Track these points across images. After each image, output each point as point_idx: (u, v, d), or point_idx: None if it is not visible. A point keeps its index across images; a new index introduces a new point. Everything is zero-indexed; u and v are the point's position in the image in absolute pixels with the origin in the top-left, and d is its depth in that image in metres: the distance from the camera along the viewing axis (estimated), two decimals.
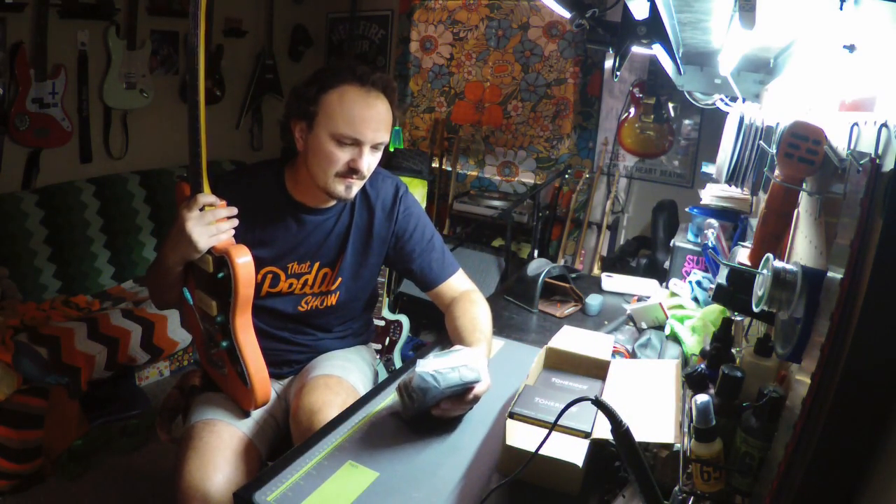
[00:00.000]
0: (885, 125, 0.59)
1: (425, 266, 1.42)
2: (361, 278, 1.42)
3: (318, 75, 1.26)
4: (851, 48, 0.77)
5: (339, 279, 1.39)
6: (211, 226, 1.15)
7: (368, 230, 1.40)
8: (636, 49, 1.14)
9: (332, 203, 1.36)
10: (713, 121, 2.86)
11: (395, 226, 1.41)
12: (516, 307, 1.73)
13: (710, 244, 1.63)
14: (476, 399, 1.10)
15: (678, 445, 0.90)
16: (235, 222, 1.21)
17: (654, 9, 0.99)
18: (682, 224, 2.08)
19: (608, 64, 3.34)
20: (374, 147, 1.27)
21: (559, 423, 0.83)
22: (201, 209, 1.15)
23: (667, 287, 1.71)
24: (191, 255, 1.17)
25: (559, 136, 3.61)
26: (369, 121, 1.23)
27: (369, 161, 1.27)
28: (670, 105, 3.16)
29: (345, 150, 1.24)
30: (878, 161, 0.59)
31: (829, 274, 0.68)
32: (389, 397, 1.17)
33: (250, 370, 1.21)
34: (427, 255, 1.42)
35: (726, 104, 1.82)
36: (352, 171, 1.25)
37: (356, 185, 1.29)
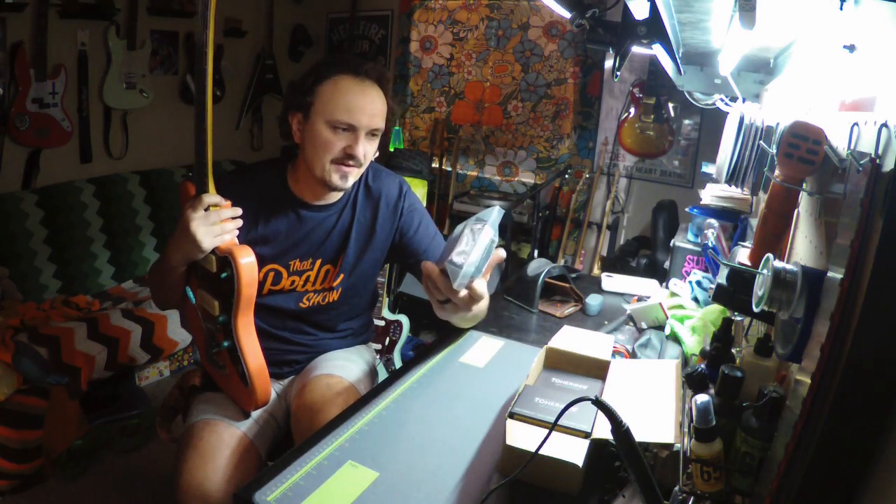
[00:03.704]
0: (885, 125, 0.59)
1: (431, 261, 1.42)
2: (363, 274, 1.42)
3: (314, 68, 1.29)
4: (851, 48, 0.77)
5: (341, 276, 1.39)
6: (215, 226, 1.16)
7: (371, 226, 1.40)
8: (636, 49, 1.14)
9: (334, 200, 1.36)
10: (713, 121, 2.86)
11: (399, 221, 1.41)
12: (516, 307, 1.73)
13: (710, 244, 1.63)
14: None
15: (678, 445, 0.90)
16: (240, 223, 1.21)
17: (654, 9, 0.99)
18: (682, 224, 2.08)
19: (608, 64, 3.34)
20: (370, 134, 1.28)
21: (559, 423, 0.83)
22: (206, 209, 1.15)
23: (667, 287, 1.71)
24: (195, 255, 1.17)
25: (559, 136, 3.61)
26: (364, 107, 1.25)
27: (365, 148, 1.27)
28: (670, 105, 3.16)
29: (340, 136, 1.25)
30: (878, 161, 0.59)
31: (829, 274, 0.68)
32: (390, 397, 1.17)
33: (251, 370, 1.21)
34: (433, 251, 1.43)
35: (726, 104, 1.82)
36: (348, 156, 1.26)
37: (352, 175, 1.29)
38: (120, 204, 2.93)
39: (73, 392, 2.09)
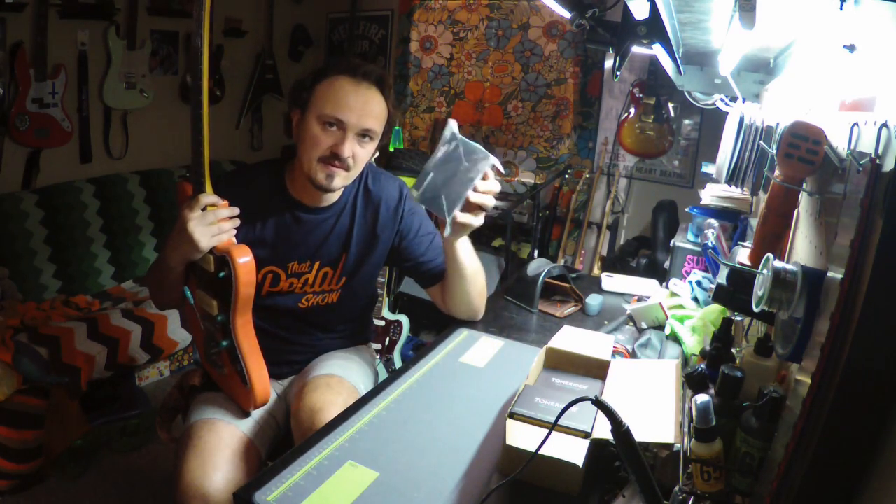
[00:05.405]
0: (885, 125, 0.59)
1: (430, 263, 1.43)
2: (363, 277, 1.43)
3: (316, 68, 1.31)
4: (851, 48, 0.77)
5: (343, 279, 1.39)
6: (213, 226, 1.15)
7: (372, 229, 1.40)
8: (636, 49, 1.13)
9: (331, 202, 1.36)
10: (713, 121, 2.86)
11: (399, 224, 1.41)
12: (516, 307, 1.73)
13: (710, 244, 1.63)
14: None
15: (678, 445, 0.90)
16: (237, 222, 1.21)
17: (654, 9, 0.99)
18: (682, 224, 2.08)
19: (608, 64, 3.34)
20: (361, 136, 1.27)
21: (559, 423, 0.83)
22: (203, 209, 1.15)
23: (667, 287, 1.71)
24: (192, 255, 1.17)
25: (559, 136, 3.61)
26: (354, 105, 1.25)
27: (354, 149, 1.26)
28: (670, 105, 3.15)
29: (328, 134, 1.25)
30: (878, 161, 0.59)
31: (829, 274, 0.68)
32: (390, 397, 1.17)
33: (250, 370, 1.21)
34: (431, 253, 1.43)
35: (726, 104, 1.82)
36: (334, 156, 1.25)
37: (339, 176, 1.27)
38: (120, 204, 2.93)
39: (73, 392, 2.09)
